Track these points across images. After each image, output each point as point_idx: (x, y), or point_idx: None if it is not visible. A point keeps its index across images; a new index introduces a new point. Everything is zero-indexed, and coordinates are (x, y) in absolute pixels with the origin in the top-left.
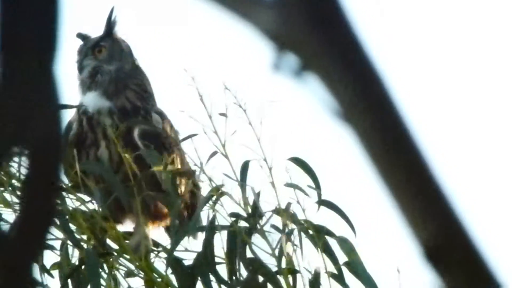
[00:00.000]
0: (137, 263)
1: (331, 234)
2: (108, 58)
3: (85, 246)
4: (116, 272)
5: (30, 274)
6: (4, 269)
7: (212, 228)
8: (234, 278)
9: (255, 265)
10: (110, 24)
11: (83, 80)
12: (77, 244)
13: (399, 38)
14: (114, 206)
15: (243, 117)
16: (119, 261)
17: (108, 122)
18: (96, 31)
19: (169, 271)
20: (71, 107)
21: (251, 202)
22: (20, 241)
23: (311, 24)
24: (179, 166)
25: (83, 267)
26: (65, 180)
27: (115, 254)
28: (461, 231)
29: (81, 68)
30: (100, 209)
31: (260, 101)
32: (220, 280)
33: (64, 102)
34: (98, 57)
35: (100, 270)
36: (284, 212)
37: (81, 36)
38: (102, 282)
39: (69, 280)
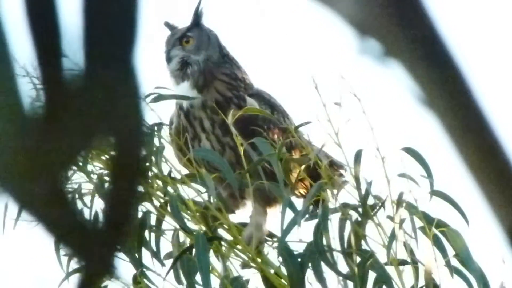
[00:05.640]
0: (249, 255)
1: (443, 225)
2: (196, 49)
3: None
4: (229, 262)
5: (112, 261)
6: (90, 255)
7: (323, 217)
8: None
9: (366, 255)
10: (197, 15)
11: (173, 72)
12: (189, 232)
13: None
14: (227, 194)
15: (357, 106)
16: (234, 251)
17: (202, 115)
18: (184, 20)
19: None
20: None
21: (363, 191)
22: (104, 227)
23: (391, 10)
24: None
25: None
26: (176, 169)
27: (225, 240)
28: None
29: (169, 59)
30: (213, 199)
31: (374, 90)
32: (333, 268)
33: (142, 94)
34: (185, 47)
35: (211, 257)
36: (398, 202)
37: (168, 25)
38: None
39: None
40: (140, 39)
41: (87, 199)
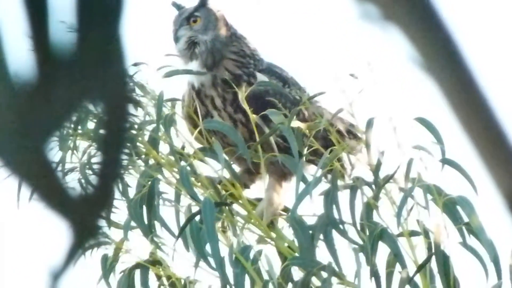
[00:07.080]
0: (263, 229)
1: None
2: (203, 28)
3: None
4: (244, 237)
5: (98, 222)
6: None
7: (332, 186)
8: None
9: (376, 226)
10: None
11: (181, 51)
12: (197, 200)
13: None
14: (242, 169)
15: (370, 76)
16: (248, 226)
17: (213, 93)
18: (191, 0)
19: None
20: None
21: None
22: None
23: None
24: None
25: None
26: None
27: (238, 214)
28: None
29: (176, 38)
30: (225, 170)
31: (385, 61)
32: (344, 236)
33: (128, 64)
34: (193, 27)
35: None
36: (408, 170)
37: (176, 5)
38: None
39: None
40: (127, 7)
41: (74, 164)
